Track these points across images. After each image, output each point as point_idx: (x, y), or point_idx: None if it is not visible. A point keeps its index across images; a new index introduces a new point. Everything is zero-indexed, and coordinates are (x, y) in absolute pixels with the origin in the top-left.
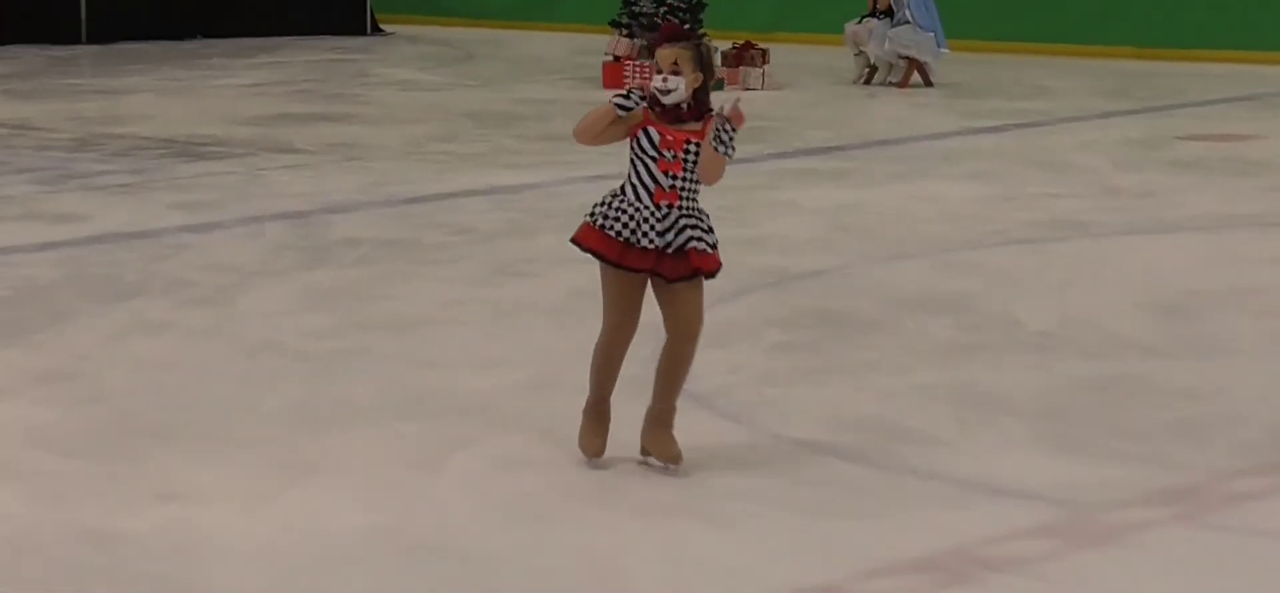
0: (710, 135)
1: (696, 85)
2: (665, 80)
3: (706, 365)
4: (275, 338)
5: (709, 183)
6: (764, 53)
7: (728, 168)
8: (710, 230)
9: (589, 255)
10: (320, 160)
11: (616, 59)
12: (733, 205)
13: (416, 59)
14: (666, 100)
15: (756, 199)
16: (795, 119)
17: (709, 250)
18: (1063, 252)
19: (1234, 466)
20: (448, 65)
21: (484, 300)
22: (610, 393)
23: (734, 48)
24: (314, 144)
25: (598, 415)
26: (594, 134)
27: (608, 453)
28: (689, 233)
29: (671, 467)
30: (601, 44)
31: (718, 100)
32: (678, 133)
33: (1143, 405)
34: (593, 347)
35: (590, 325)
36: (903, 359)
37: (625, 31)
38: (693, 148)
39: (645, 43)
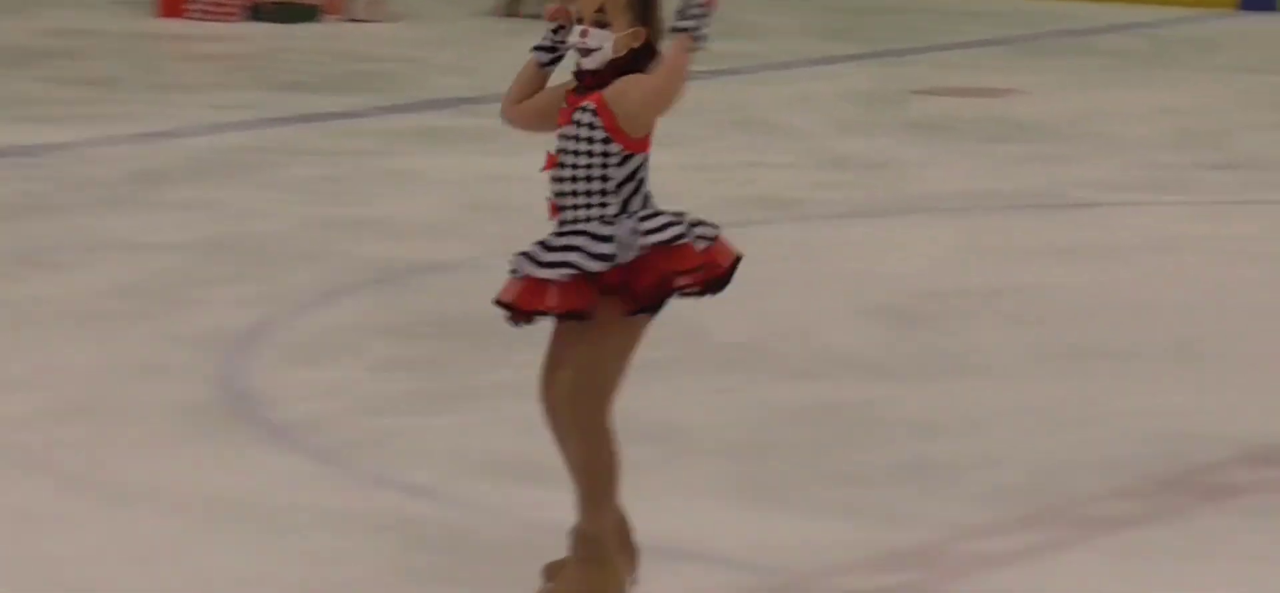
0: (671, 26)
1: (635, 45)
2: (584, 35)
3: (290, 388)
4: None
5: (662, 108)
6: None
7: (316, 127)
8: (662, 230)
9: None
10: None
11: None
12: (331, 176)
13: None
14: (586, 63)
15: (363, 168)
16: (417, 61)
17: (583, 272)
18: (765, 239)
19: (983, 519)
20: None
21: None
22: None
23: None
24: None
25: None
26: (520, 98)
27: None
28: (562, 255)
29: None
30: None
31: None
32: (575, 100)
33: (866, 442)
34: (145, 362)
35: (134, 332)
36: None
37: None
38: (586, 120)
39: None
